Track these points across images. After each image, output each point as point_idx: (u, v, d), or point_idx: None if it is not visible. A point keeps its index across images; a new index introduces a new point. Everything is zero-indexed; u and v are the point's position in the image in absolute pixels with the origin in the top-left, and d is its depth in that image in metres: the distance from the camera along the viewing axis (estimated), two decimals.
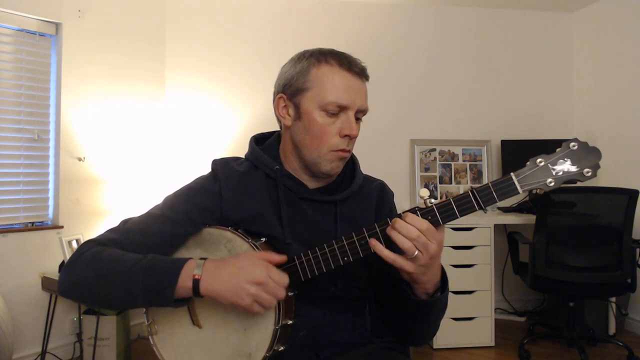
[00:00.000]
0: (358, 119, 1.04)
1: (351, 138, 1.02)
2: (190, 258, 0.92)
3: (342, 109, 1.00)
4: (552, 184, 0.84)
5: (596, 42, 3.50)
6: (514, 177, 0.84)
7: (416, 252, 0.84)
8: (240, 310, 0.89)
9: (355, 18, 3.48)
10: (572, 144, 0.84)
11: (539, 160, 0.85)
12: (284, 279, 0.89)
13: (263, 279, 0.86)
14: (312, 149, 1.02)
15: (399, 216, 0.88)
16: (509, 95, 3.63)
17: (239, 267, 0.88)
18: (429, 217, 0.87)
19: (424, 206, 0.88)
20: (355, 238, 0.91)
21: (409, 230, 0.84)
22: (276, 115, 1.08)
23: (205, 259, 0.91)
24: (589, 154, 0.84)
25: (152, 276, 0.88)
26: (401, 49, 3.54)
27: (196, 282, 0.87)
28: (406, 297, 0.94)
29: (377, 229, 0.90)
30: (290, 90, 1.03)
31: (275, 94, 1.07)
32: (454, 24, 3.60)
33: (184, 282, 0.88)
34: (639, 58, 3.13)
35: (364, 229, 0.91)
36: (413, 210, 0.88)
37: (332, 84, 0.99)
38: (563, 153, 0.84)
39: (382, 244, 0.89)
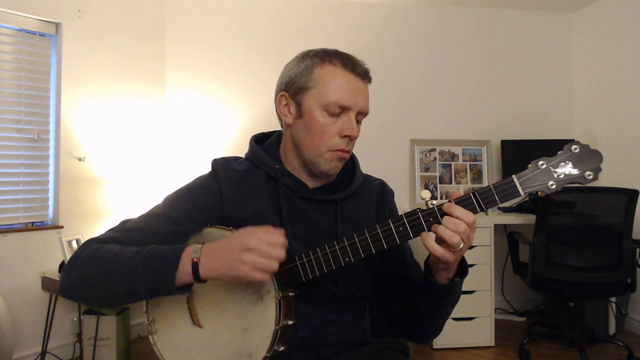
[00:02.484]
0: (358, 122, 1.04)
1: (351, 139, 1.03)
2: (189, 244, 0.91)
3: (344, 109, 1.00)
4: (554, 186, 0.84)
5: (596, 42, 3.50)
6: (515, 180, 0.84)
7: (461, 245, 0.84)
8: (244, 282, 0.89)
9: (355, 18, 3.48)
10: (574, 146, 0.84)
11: (540, 162, 0.84)
12: (276, 238, 0.86)
13: (254, 244, 0.84)
14: (312, 147, 1.02)
15: (400, 216, 0.88)
16: (509, 95, 3.63)
17: (230, 240, 0.88)
18: (430, 219, 0.87)
19: (425, 207, 0.88)
20: (356, 239, 0.91)
21: (457, 225, 0.84)
22: (277, 114, 1.09)
23: (203, 243, 0.90)
24: (590, 157, 0.83)
25: (152, 265, 0.88)
26: (401, 49, 3.54)
27: (195, 265, 0.87)
28: (426, 284, 0.95)
29: (421, 218, 0.87)
30: (292, 89, 1.03)
31: (278, 92, 1.07)
32: (454, 24, 3.60)
33: (185, 266, 0.87)
34: (639, 58, 3.14)
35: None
36: (414, 212, 0.88)
37: (334, 84, 0.99)
38: (565, 156, 0.84)
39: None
